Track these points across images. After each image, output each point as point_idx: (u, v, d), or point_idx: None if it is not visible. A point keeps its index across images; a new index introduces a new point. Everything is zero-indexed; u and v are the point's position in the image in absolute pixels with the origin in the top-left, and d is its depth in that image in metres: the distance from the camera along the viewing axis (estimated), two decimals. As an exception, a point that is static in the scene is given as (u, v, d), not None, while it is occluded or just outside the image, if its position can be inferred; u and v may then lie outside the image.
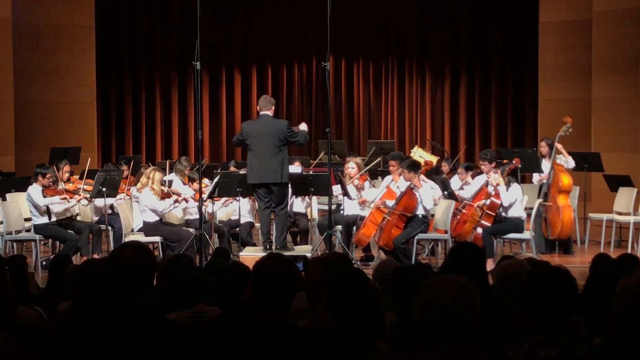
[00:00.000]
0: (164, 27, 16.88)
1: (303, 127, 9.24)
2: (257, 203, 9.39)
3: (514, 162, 10.15)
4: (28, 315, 4.31)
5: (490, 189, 9.75)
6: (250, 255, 8.87)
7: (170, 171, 11.54)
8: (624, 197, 11.14)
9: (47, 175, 9.86)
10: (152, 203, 9.66)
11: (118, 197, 10.47)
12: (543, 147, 11.04)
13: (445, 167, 12.15)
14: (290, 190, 9.56)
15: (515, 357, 3.17)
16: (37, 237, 9.83)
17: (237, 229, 10.22)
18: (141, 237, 9.66)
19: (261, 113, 9.06)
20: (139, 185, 9.94)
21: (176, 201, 9.87)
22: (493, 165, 9.90)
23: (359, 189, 10.26)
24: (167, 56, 16.91)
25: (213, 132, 17.14)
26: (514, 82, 16.62)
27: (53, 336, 3.99)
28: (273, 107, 9.15)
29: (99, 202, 10.34)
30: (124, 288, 3.22)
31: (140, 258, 3.27)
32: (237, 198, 10.00)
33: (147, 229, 9.73)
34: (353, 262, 6.48)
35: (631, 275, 2.92)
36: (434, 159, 11.86)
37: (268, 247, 8.94)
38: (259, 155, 8.88)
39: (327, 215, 9.59)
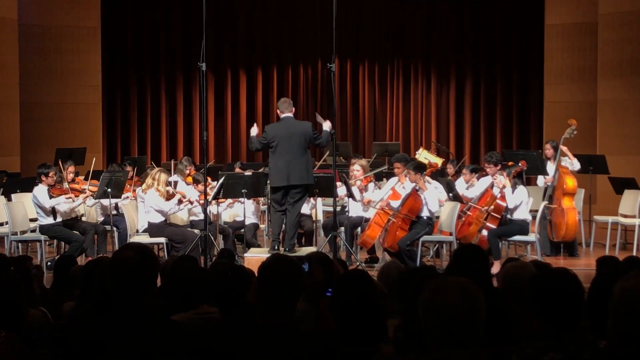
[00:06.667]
0: (170, 29, 16.90)
1: (326, 126, 9.09)
2: (271, 205, 9.24)
3: (520, 164, 10.12)
4: (33, 316, 4.32)
5: (496, 191, 9.73)
6: (255, 256, 8.86)
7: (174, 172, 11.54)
8: (629, 200, 11.13)
9: (50, 174, 9.81)
10: (157, 204, 9.67)
11: (124, 197, 10.47)
12: (548, 150, 11.00)
13: (450, 169, 12.13)
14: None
15: (520, 360, 3.15)
16: (43, 237, 9.82)
17: (242, 230, 10.22)
18: (146, 238, 9.68)
19: (283, 116, 9.02)
20: (144, 186, 9.96)
21: (180, 201, 9.86)
22: (498, 167, 9.88)
23: (362, 190, 10.25)
24: (173, 57, 16.93)
25: (218, 134, 17.15)
26: (519, 85, 16.62)
27: (58, 337, 3.99)
28: (293, 109, 9.15)
29: (104, 202, 10.36)
30: (126, 289, 3.23)
31: (142, 259, 3.27)
32: (242, 200, 10.00)
33: (152, 229, 9.74)
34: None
35: (628, 277, 2.82)
36: (438, 161, 11.83)
37: (276, 247, 8.92)
38: (286, 157, 8.80)
39: (332, 217, 9.58)
